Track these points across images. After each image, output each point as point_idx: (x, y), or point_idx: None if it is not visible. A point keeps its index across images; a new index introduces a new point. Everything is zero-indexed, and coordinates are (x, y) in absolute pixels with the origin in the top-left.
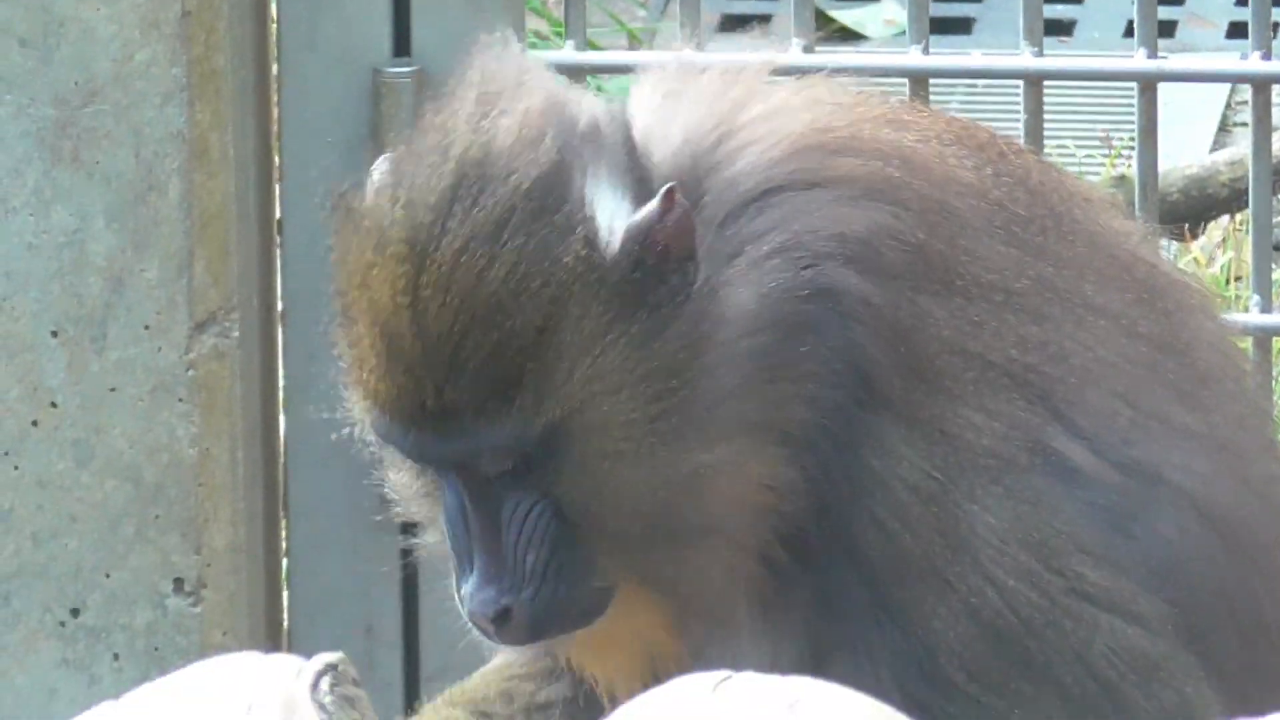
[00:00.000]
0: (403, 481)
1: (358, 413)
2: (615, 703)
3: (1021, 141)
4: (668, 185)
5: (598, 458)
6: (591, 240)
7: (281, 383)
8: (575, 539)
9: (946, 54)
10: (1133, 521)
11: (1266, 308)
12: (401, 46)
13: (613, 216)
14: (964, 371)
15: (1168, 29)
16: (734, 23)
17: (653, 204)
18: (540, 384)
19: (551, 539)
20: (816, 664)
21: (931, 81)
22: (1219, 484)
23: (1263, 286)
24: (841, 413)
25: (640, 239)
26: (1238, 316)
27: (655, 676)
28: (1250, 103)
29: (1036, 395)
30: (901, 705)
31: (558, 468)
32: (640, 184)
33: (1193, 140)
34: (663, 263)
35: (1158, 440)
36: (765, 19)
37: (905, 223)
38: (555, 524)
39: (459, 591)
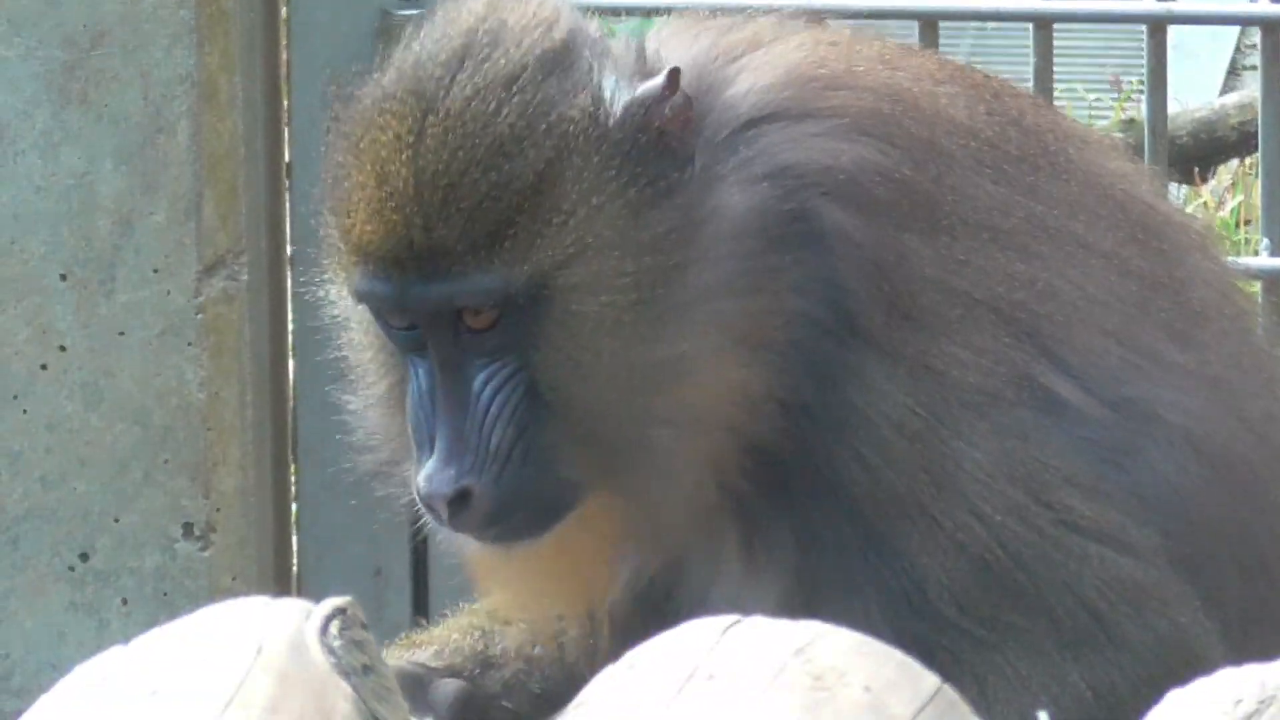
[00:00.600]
0: (364, 356)
1: (338, 275)
2: (533, 659)
3: (1031, 84)
4: (671, 67)
5: (579, 320)
6: (597, 100)
7: (290, 326)
8: (545, 421)
9: None
10: (1123, 455)
11: (1276, 250)
12: None
13: (618, 91)
14: (949, 308)
15: None
16: None
17: (656, 80)
18: (532, 230)
19: (521, 416)
20: (805, 601)
21: (940, 24)
22: (1213, 421)
23: (1273, 229)
24: (822, 346)
25: (642, 109)
26: (1248, 260)
27: (591, 617)
28: (1260, 45)
29: (1024, 332)
30: (893, 640)
31: (538, 328)
32: (646, 79)
33: (1202, 83)
34: (661, 140)
35: (1149, 378)
36: None
37: (893, 159)
38: (526, 401)
39: (416, 478)
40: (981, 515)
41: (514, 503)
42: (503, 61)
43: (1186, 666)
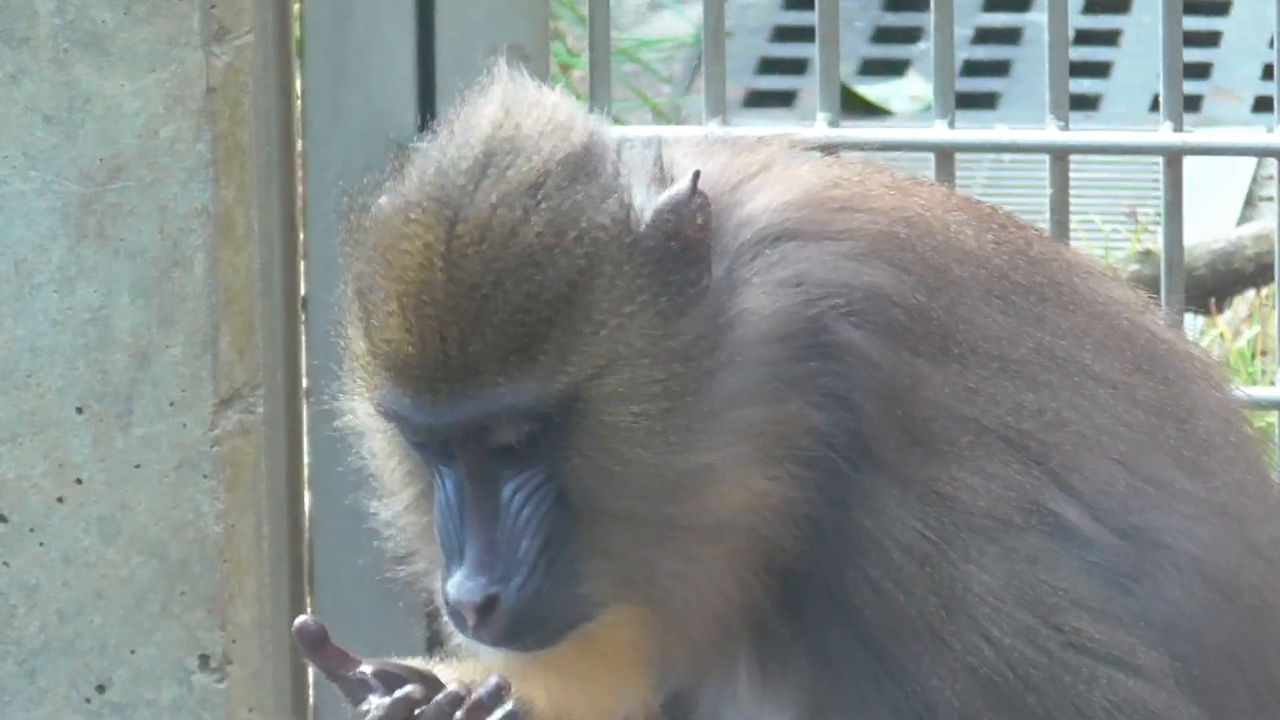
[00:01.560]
0: (388, 465)
1: (365, 392)
2: None
3: (1047, 216)
4: (695, 170)
5: (611, 430)
6: (625, 206)
7: (306, 459)
8: (572, 529)
9: (972, 129)
10: (1132, 581)
11: None
12: (426, 120)
13: (646, 196)
14: (959, 435)
15: (1193, 103)
16: (759, 98)
17: (682, 184)
18: (566, 342)
19: (549, 526)
20: None
21: (957, 156)
22: (1221, 548)
23: None
24: (836, 465)
25: (673, 215)
26: (1263, 391)
27: None
28: (1276, 176)
29: (1033, 459)
30: None
31: (569, 438)
32: (666, 185)
33: (1218, 214)
34: (686, 246)
35: (1157, 506)
36: (791, 95)
37: (907, 284)
38: (555, 510)
39: (444, 585)
40: (990, 638)
41: (536, 611)
42: (526, 168)
43: None
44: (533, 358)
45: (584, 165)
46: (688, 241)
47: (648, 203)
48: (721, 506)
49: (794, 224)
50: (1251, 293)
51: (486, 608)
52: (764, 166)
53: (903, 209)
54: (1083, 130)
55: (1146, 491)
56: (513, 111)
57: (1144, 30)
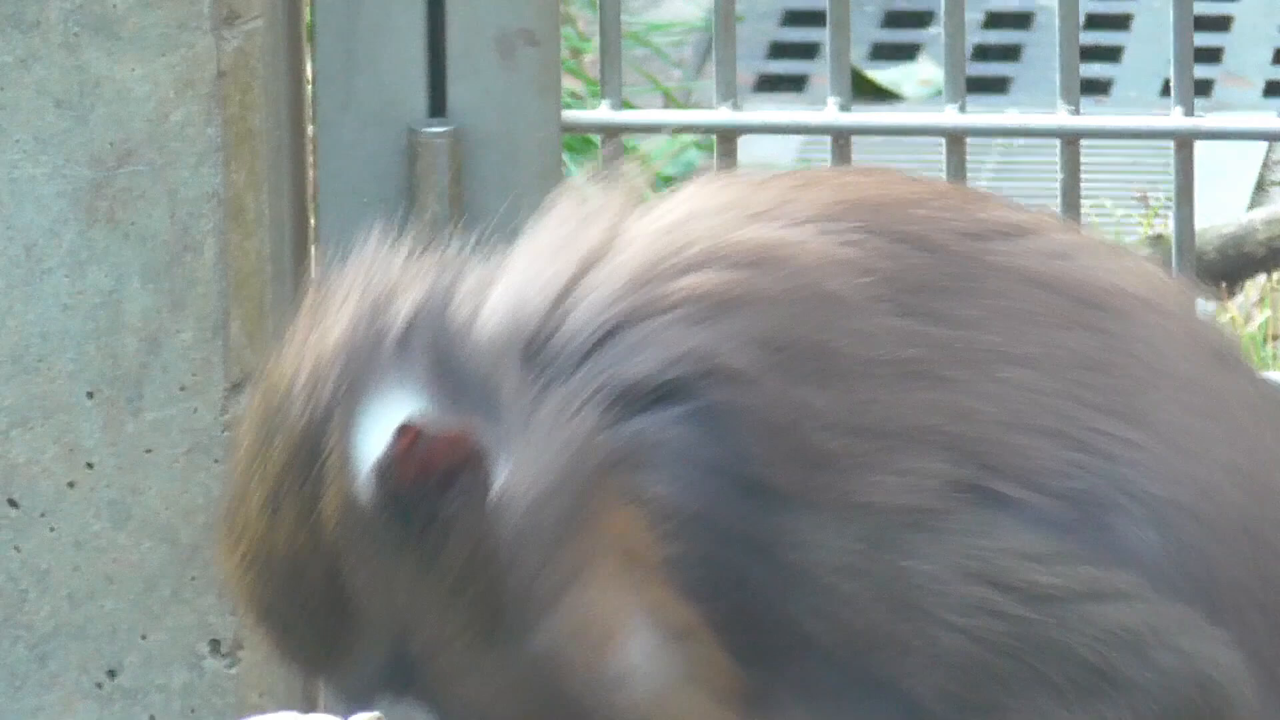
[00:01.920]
0: None
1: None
2: None
3: (1058, 200)
4: (403, 422)
5: (456, 684)
6: (348, 491)
7: None
8: None
9: (982, 113)
10: (1083, 526)
11: None
12: (437, 106)
13: (382, 448)
14: (861, 445)
15: (1204, 88)
16: (770, 83)
17: (388, 442)
18: (360, 625)
19: None
20: None
21: (968, 141)
22: (1183, 478)
23: None
24: (734, 522)
25: (384, 478)
26: (1274, 375)
27: None
28: None
29: (945, 448)
30: None
31: (428, 688)
32: (462, 377)
33: (1229, 199)
34: (422, 487)
35: (1095, 468)
36: (802, 79)
37: (765, 323)
38: None
39: None
40: (947, 623)
41: None
42: (269, 467)
43: (1203, 691)
44: (345, 644)
45: (315, 446)
46: (420, 479)
47: (382, 458)
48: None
49: (618, 318)
50: (1262, 277)
51: None
52: (603, 247)
53: (760, 242)
54: (1094, 115)
55: (1079, 458)
56: (289, 362)
57: (1155, 15)
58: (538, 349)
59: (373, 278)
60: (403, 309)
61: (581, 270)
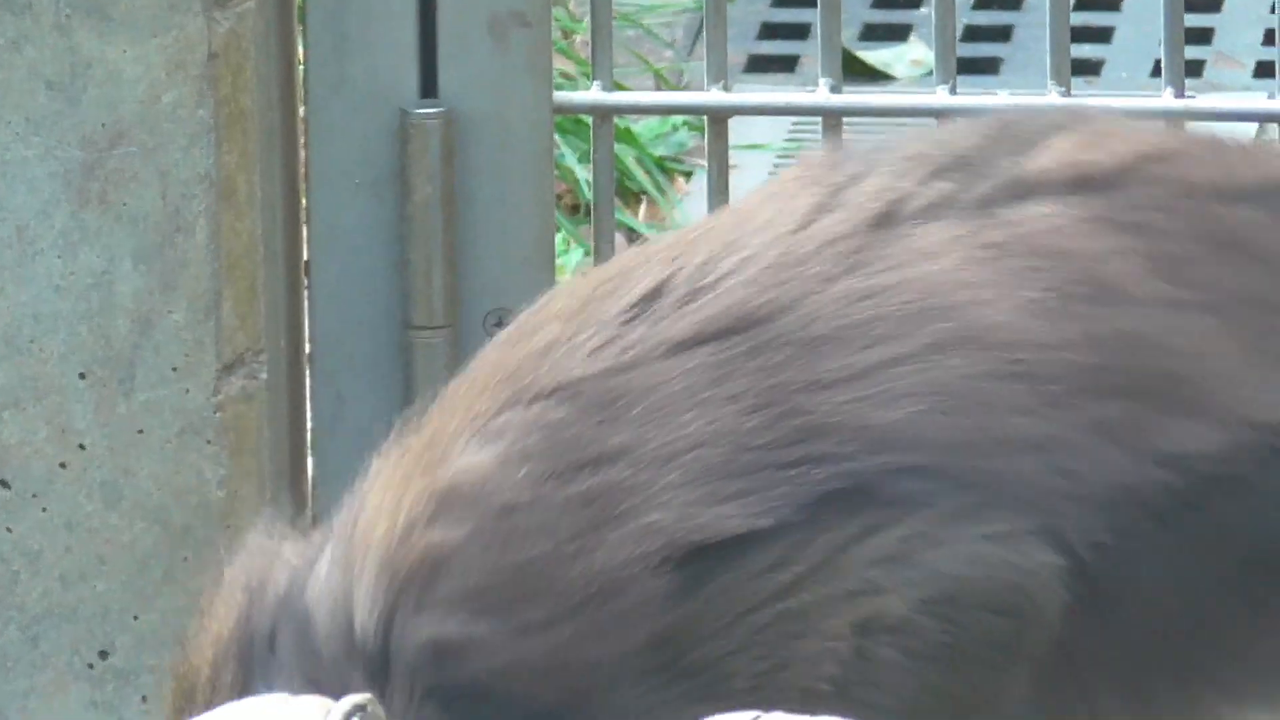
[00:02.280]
0: None
1: None
2: None
3: None
4: None
5: None
6: None
7: (309, 425)
8: None
9: (974, 94)
10: (971, 486)
11: None
12: (428, 87)
13: None
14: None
15: (1195, 68)
16: (761, 63)
17: None
18: None
19: None
20: None
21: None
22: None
23: None
24: None
25: None
26: None
27: None
28: (1278, 142)
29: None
30: None
31: None
32: (319, 676)
33: None
34: None
35: (986, 449)
36: (793, 60)
37: (466, 606)
38: None
39: None
40: (826, 659)
41: None
42: None
43: (1011, 585)
44: None
45: None
46: None
47: None
48: None
49: (386, 623)
50: None
51: None
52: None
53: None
54: (1084, 95)
55: (969, 445)
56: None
57: None
58: (361, 650)
59: (250, 573)
60: (269, 607)
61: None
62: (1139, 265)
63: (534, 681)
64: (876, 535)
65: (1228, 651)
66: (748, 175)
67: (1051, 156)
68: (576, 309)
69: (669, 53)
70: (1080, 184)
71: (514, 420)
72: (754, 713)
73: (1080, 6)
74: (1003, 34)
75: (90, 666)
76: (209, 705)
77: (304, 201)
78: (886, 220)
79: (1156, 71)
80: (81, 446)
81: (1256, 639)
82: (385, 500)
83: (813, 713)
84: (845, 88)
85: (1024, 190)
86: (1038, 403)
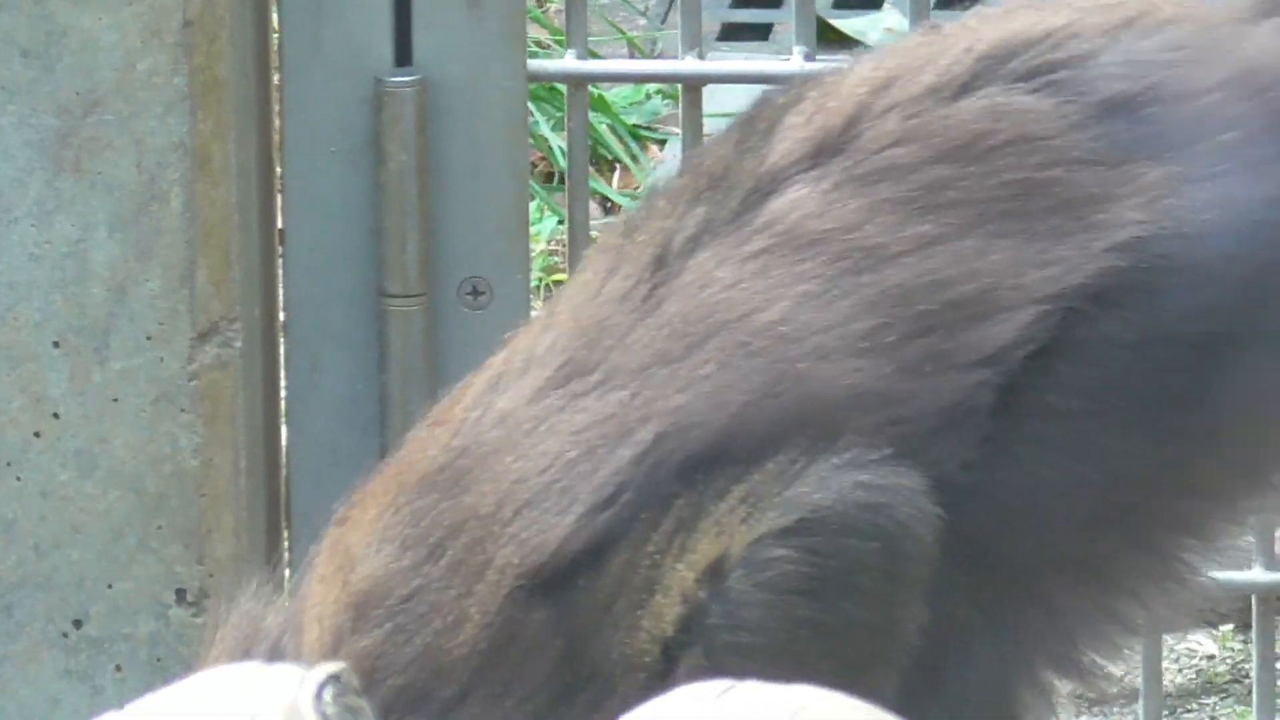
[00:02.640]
0: None
1: None
2: None
3: None
4: None
5: None
6: None
7: (283, 393)
8: None
9: None
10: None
11: None
12: (403, 56)
13: None
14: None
15: None
16: (735, 31)
17: None
18: None
19: None
20: None
21: None
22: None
23: None
24: None
25: None
26: None
27: None
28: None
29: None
30: None
31: None
32: None
33: None
34: None
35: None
36: (766, 28)
37: (398, 707)
38: None
39: None
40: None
41: None
42: None
43: (879, 521)
44: None
45: None
46: None
47: None
48: None
49: None
50: None
51: None
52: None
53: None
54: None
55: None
56: None
57: None
58: None
59: (235, 634)
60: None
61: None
62: (892, 215)
63: None
64: (725, 497)
65: (1105, 541)
66: None
67: (787, 139)
68: (449, 405)
69: (643, 21)
70: (817, 154)
71: (396, 518)
72: (727, 682)
73: None
74: (976, 1)
75: (65, 635)
76: None
77: (279, 170)
78: (660, 262)
79: None
80: (56, 415)
81: (1124, 518)
82: (314, 603)
83: (727, 674)
84: (819, 56)
85: (771, 185)
86: (844, 369)
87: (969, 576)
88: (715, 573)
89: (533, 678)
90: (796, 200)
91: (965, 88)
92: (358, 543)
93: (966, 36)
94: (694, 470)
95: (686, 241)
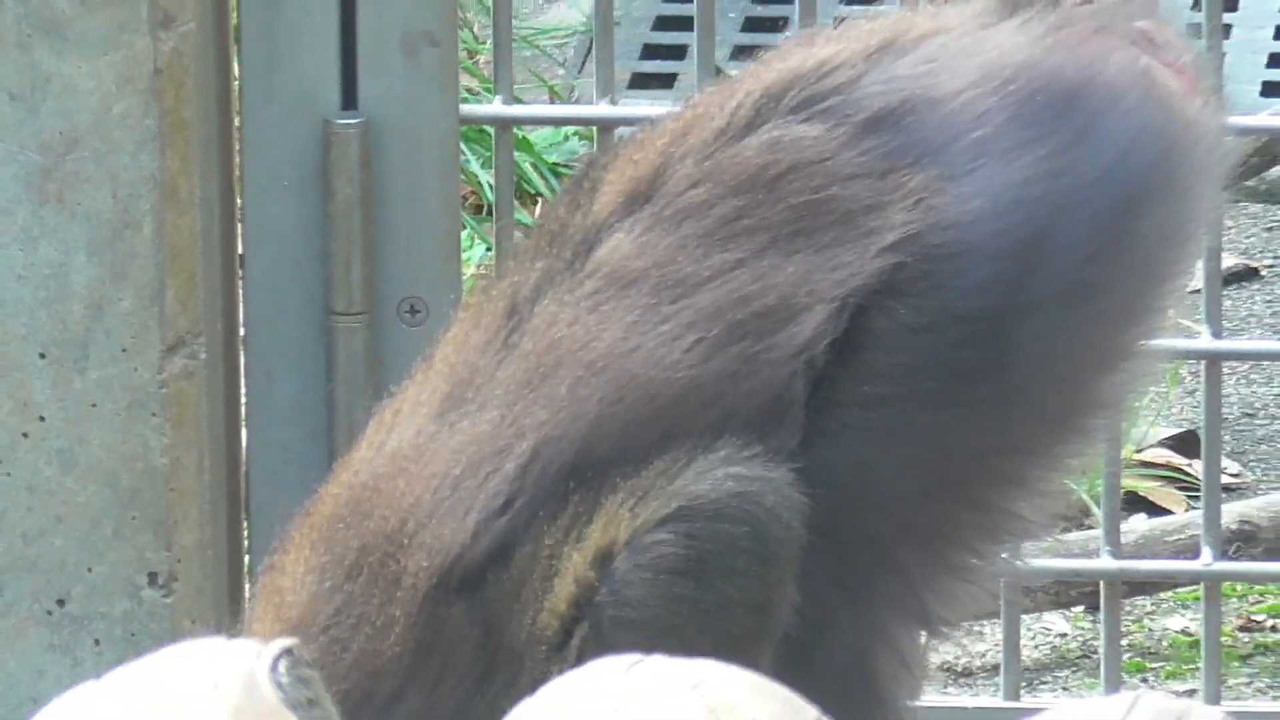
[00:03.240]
0: None
1: None
2: None
3: None
4: None
5: None
6: None
7: (243, 399)
8: None
9: None
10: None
11: (1217, 333)
12: (349, 100)
13: None
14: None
15: None
16: (643, 80)
17: None
18: None
19: None
20: None
21: None
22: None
23: (1213, 314)
24: None
25: None
26: (1191, 342)
27: None
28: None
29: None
30: None
31: None
32: None
33: None
34: None
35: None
36: (672, 77)
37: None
38: None
39: None
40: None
41: None
42: None
43: (748, 511)
44: None
45: None
46: None
47: None
48: None
49: None
50: None
51: None
52: None
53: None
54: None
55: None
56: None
57: None
58: None
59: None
60: None
61: None
62: (697, 248)
63: None
64: (614, 492)
65: (940, 505)
66: None
67: (606, 194)
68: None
69: (561, 71)
70: (630, 204)
71: (313, 553)
72: (635, 657)
73: None
74: None
75: (49, 613)
76: None
77: (238, 200)
78: (513, 311)
79: None
80: (41, 418)
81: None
82: (263, 603)
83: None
84: None
85: (596, 236)
86: (675, 375)
87: (826, 554)
88: (604, 557)
89: (458, 665)
90: (616, 246)
91: (749, 126)
92: (285, 584)
93: (749, 80)
94: (571, 473)
95: (532, 291)
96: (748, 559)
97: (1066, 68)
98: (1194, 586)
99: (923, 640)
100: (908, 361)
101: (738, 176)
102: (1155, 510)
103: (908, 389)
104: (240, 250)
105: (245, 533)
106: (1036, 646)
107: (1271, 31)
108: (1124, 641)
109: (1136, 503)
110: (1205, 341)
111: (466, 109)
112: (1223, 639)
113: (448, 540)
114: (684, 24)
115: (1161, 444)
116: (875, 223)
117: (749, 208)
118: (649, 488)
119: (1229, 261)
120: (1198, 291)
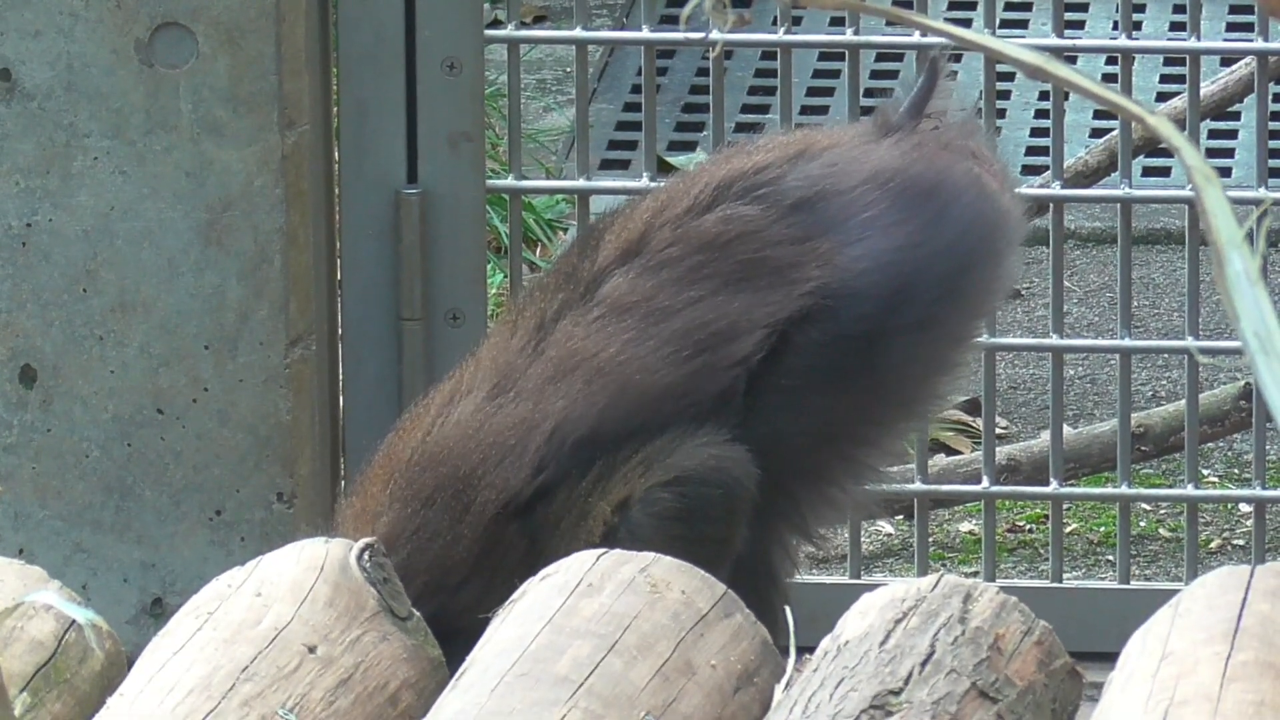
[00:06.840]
0: None
1: None
2: None
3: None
4: None
5: None
6: None
7: (341, 376)
8: None
9: None
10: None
11: (992, 334)
12: (411, 176)
13: None
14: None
15: None
16: (609, 163)
17: None
18: None
19: None
20: None
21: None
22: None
23: (989, 321)
24: None
25: None
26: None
27: None
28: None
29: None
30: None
31: None
32: None
33: None
34: None
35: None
36: (627, 161)
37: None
38: None
39: None
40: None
41: None
42: None
43: (722, 479)
44: None
45: None
46: None
47: None
48: None
49: None
50: None
51: None
52: None
53: None
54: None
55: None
56: None
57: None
58: None
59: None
60: None
61: None
62: (673, 288)
63: (464, 614)
64: (630, 459)
65: (823, 456)
66: None
67: (607, 247)
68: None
69: (554, 157)
70: (625, 256)
71: (396, 487)
72: (603, 549)
73: None
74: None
75: (210, 520)
76: None
77: (338, 244)
78: (541, 327)
79: None
80: (206, 389)
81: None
82: (351, 519)
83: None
84: (658, 179)
85: (600, 278)
86: (657, 378)
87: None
88: (622, 506)
89: (509, 564)
90: (616, 285)
91: (708, 206)
92: (371, 506)
93: (706, 174)
94: (587, 445)
95: (554, 314)
96: (720, 509)
97: (926, 172)
98: (977, 503)
99: (800, 542)
100: (811, 365)
101: (701, 240)
102: (951, 451)
103: (809, 382)
104: (339, 277)
105: (342, 466)
106: (871, 542)
107: (1029, 130)
108: (930, 540)
109: (939, 446)
110: (984, 340)
111: (490, 183)
112: (996, 538)
113: (506, 482)
114: (636, 126)
115: (957, 407)
116: (796, 275)
117: (709, 262)
118: (653, 459)
119: None
120: None
